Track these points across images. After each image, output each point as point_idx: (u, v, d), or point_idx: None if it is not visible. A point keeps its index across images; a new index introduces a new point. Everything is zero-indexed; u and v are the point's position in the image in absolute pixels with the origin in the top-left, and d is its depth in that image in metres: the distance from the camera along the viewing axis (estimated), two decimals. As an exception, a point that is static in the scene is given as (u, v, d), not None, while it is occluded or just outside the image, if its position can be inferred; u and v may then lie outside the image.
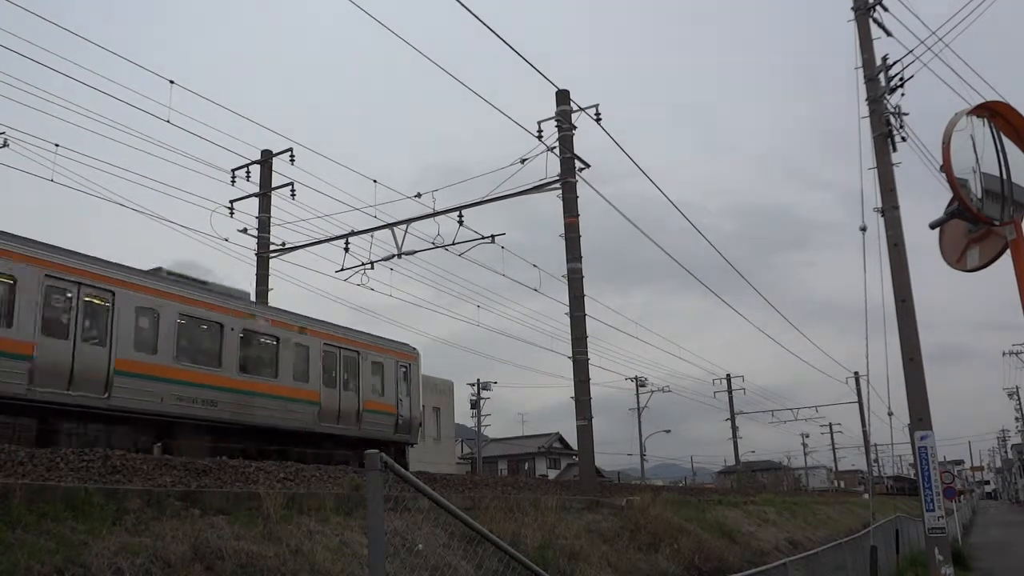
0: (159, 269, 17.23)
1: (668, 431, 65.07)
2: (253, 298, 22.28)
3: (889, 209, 12.79)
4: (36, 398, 13.59)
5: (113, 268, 15.38)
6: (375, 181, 23.28)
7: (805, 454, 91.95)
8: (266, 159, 25.48)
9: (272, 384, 18.60)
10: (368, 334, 22.22)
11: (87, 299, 14.69)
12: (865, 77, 13.14)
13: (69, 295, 14.41)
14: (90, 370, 14.43)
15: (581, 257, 20.59)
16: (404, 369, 22.98)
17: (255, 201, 25.56)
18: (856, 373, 58.44)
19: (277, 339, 19.05)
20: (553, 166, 20.77)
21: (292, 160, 24.52)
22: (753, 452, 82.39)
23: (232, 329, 17.70)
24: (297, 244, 24.87)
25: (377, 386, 21.82)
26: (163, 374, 15.66)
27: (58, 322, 14.23)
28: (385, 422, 21.84)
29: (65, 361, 14.07)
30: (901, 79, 12.81)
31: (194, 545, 7.40)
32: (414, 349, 23.92)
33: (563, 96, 20.81)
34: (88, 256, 15.18)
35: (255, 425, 17.85)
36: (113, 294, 15.05)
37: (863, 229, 13.03)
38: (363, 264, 23.95)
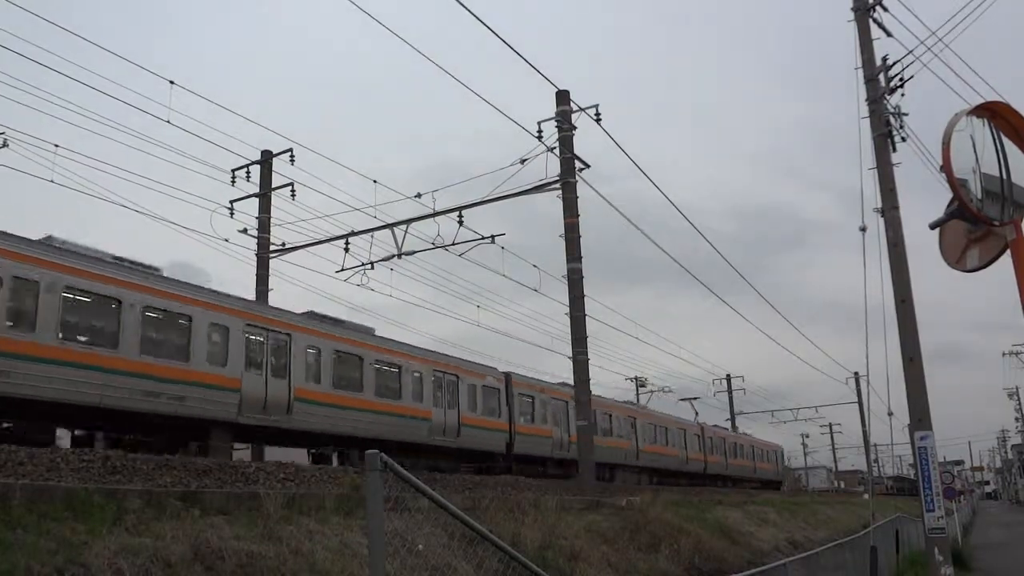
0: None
1: (668, 431, 65.20)
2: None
3: (889, 209, 12.78)
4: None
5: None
6: (375, 181, 23.32)
7: (805, 454, 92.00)
8: (266, 159, 25.45)
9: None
10: (757, 439, 51.42)
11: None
12: (865, 77, 13.12)
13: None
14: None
15: (581, 257, 20.59)
16: (779, 453, 50.50)
17: (255, 201, 25.53)
18: (856, 373, 58.31)
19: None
20: (553, 166, 20.80)
21: (292, 160, 24.48)
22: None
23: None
24: (297, 244, 24.88)
25: (767, 459, 48.87)
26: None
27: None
28: (772, 471, 50.50)
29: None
30: (901, 79, 12.79)
31: (194, 545, 7.40)
32: (779, 447, 53.45)
33: (563, 96, 20.80)
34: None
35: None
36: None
37: (863, 229, 13.00)
38: (363, 264, 23.96)
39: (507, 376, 26.43)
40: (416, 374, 22.03)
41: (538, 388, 28.02)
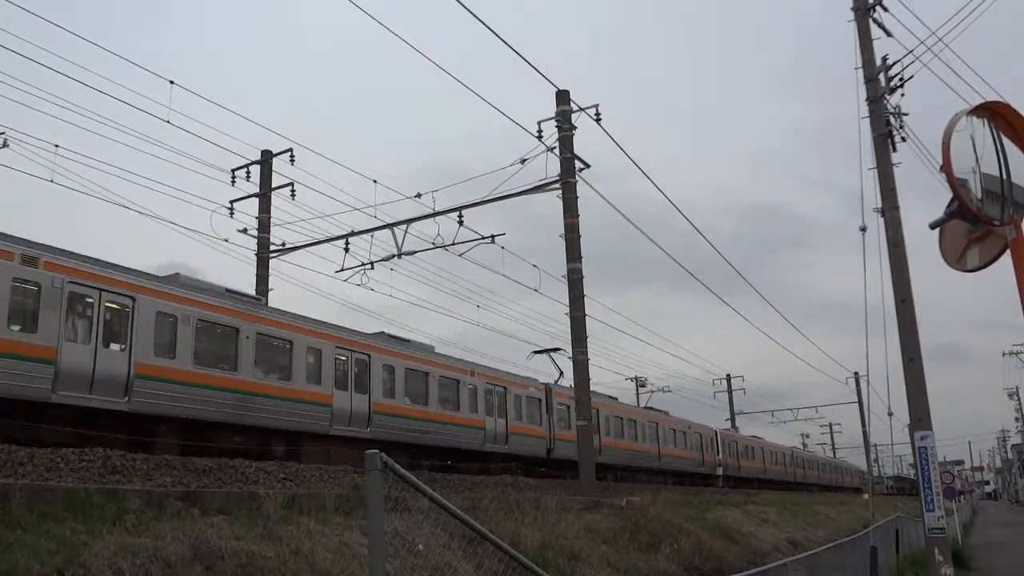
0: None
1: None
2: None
3: (889, 209, 12.77)
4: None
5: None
6: (375, 181, 23.40)
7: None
8: (266, 159, 25.44)
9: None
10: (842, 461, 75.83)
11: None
12: (865, 77, 13.12)
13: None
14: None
15: (581, 257, 20.57)
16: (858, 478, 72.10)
17: (255, 201, 25.52)
18: (856, 373, 58.47)
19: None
20: (553, 166, 20.78)
21: (292, 160, 24.48)
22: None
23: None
24: (297, 244, 24.87)
25: (854, 474, 71.75)
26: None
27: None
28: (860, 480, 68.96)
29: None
30: (901, 79, 12.79)
31: (194, 545, 7.40)
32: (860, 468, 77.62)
33: (563, 96, 20.78)
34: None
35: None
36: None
37: (863, 229, 13.00)
38: (363, 264, 23.96)
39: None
40: None
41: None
